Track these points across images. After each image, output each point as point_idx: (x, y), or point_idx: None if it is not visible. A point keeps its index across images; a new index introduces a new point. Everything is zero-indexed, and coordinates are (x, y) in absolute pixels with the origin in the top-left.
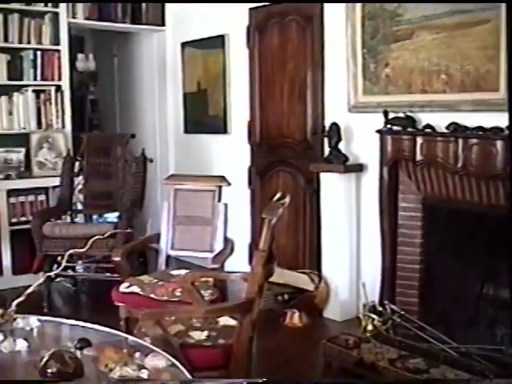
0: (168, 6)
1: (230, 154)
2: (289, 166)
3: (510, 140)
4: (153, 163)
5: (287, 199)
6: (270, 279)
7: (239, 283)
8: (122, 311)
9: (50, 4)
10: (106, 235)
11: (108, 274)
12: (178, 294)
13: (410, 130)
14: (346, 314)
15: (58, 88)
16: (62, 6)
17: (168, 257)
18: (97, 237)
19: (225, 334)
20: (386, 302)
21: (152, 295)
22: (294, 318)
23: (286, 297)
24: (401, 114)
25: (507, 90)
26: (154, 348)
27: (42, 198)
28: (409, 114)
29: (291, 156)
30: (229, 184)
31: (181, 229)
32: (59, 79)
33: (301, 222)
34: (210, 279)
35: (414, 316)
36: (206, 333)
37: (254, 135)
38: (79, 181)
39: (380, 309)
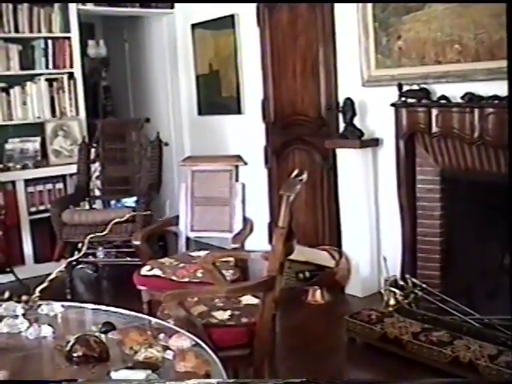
0: None
1: (245, 134)
2: (304, 143)
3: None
4: (168, 146)
5: (305, 176)
6: (291, 257)
7: (260, 262)
8: (145, 294)
9: None
10: (124, 219)
11: (128, 259)
12: (199, 274)
13: (424, 101)
14: (368, 290)
15: (71, 75)
16: None
17: (188, 239)
18: (116, 220)
19: (248, 312)
20: (407, 275)
21: (173, 277)
22: (316, 296)
23: (307, 274)
24: (415, 87)
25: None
26: (178, 329)
27: (59, 186)
28: (423, 85)
29: (306, 133)
30: (245, 163)
31: (199, 210)
32: (71, 67)
33: (319, 198)
34: (231, 259)
35: (436, 289)
36: (228, 312)
37: (268, 114)
38: (96, 167)
39: (402, 283)
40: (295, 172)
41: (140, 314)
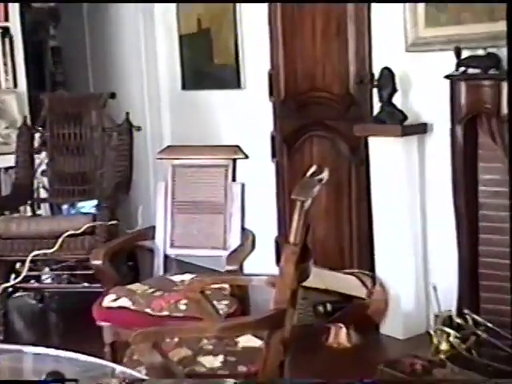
0: None
1: (245, 116)
2: (326, 129)
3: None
4: (141, 132)
5: (325, 174)
6: (306, 283)
7: (264, 290)
8: (107, 333)
9: None
10: (81, 231)
11: (86, 284)
12: (182, 307)
13: (492, 72)
14: (411, 329)
15: (5, 32)
16: None
17: (167, 258)
18: (69, 232)
19: (246, 358)
20: (466, 311)
21: (147, 310)
22: (341, 336)
23: (328, 307)
24: (480, 52)
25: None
26: (152, 380)
27: None
28: (491, 50)
29: (329, 116)
30: (246, 156)
31: (183, 219)
32: (6, 20)
33: (345, 204)
34: (225, 286)
35: (507, 330)
36: (220, 358)
37: (278, 89)
38: (41, 159)
39: (458, 321)
40: (313, 169)
41: (101, 361)
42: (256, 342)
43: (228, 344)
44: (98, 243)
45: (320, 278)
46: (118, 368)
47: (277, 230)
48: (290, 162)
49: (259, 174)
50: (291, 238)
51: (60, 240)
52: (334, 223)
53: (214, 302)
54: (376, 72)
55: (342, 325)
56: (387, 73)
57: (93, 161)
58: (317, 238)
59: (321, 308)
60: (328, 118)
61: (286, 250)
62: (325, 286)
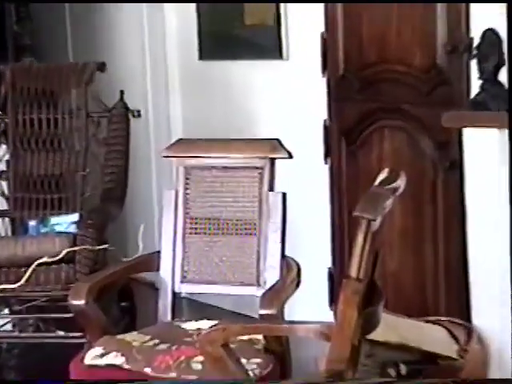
0: None
1: (287, 98)
2: (402, 117)
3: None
4: (141, 119)
5: (400, 182)
6: (373, 335)
7: (313, 344)
8: None
9: None
10: (56, 258)
11: (61, 333)
12: (196, 366)
13: None
14: None
15: None
16: None
17: (176, 297)
18: (40, 261)
19: None
20: None
21: (147, 370)
22: None
23: (402, 369)
24: None
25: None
26: None
27: None
28: None
29: (406, 98)
30: (289, 155)
31: (199, 243)
32: None
33: (428, 223)
34: (258, 337)
35: None
36: None
37: (334, 61)
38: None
39: None
40: (383, 174)
41: None
42: None
43: None
44: (80, 275)
45: (392, 328)
46: None
47: (331, 260)
48: (350, 164)
49: (307, 181)
50: (353, 271)
51: (29, 272)
52: (412, 250)
53: (242, 360)
54: (476, 36)
55: None
56: (492, 37)
57: (72, 159)
58: (388, 271)
59: (393, 370)
60: (405, 102)
61: (345, 287)
62: (399, 339)
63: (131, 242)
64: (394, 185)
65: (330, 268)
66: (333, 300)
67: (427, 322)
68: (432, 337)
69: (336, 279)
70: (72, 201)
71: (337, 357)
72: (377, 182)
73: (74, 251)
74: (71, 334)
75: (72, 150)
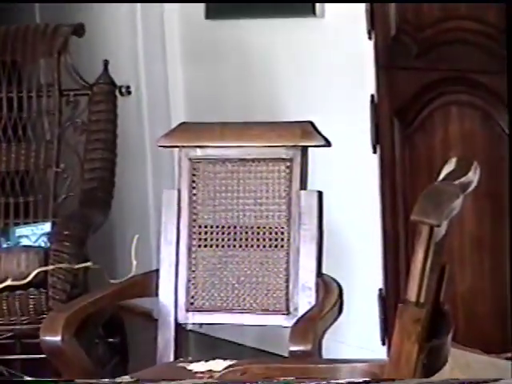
0: None
1: (322, 66)
2: (474, 90)
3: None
4: (132, 98)
5: (473, 175)
6: (439, 376)
7: None
8: None
9: None
10: (22, 282)
11: (30, 380)
12: None
13: None
14: None
15: None
16: None
17: (181, 329)
18: (2, 285)
19: None
20: None
21: None
22: None
23: None
24: None
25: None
26: None
27: None
28: None
29: (479, 65)
30: (326, 143)
31: (210, 259)
32: None
33: (507, 229)
34: (289, 380)
35: None
36: None
37: (384, 19)
38: None
39: None
40: (450, 165)
41: None
42: None
43: None
44: (54, 303)
45: (465, 367)
46: None
47: (383, 279)
48: (406, 153)
49: (350, 176)
50: (411, 294)
51: None
52: (489, 266)
53: None
54: None
55: None
56: None
57: (42, 151)
58: (459, 292)
59: None
60: (477, 71)
61: (401, 314)
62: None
63: (120, 258)
64: (464, 179)
65: (380, 289)
66: (386, 331)
67: (509, 359)
68: None
69: (389, 303)
70: (42, 206)
71: None
72: (441, 176)
73: (46, 272)
74: (43, 380)
75: (41, 140)
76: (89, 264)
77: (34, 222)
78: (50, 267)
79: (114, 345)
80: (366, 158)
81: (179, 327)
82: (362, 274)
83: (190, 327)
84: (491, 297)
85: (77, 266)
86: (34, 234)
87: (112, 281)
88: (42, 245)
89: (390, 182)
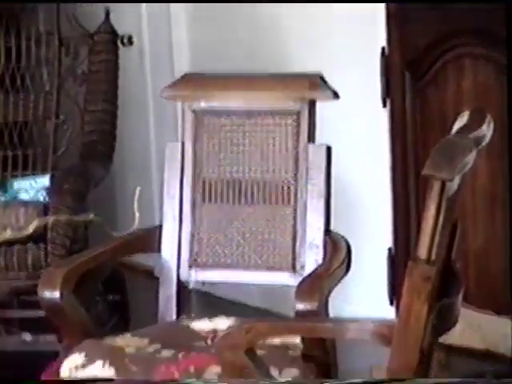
0: None
1: (332, 16)
2: (489, 41)
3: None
4: (134, 47)
5: (487, 128)
6: (449, 339)
7: (368, 349)
8: None
9: None
10: (21, 235)
11: (28, 337)
12: (211, 378)
13: None
14: None
15: None
16: None
17: (183, 287)
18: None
19: None
20: None
21: None
22: None
23: None
24: None
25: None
26: None
27: None
28: None
29: (493, 19)
30: (334, 95)
31: (215, 215)
32: None
33: None
34: (295, 340)
35: None
36: None
37: None
38: None
39: None
40: (463, 118)
41: None
42: None
43: None
44: (53, 259)
45: (476, 328)
46: None
47: (392, 237)
48: (417, 107)
49: (359, 130)
50: (422, 251)
51: None
52: (503, 223)
53: (272, 371)
54: None
55: None
56: None
57: (41, 102)
58: (471, 251)
59: None
60: (492, 21)
61: (411, 272)
62: (484, 344)
63: (122, 213)
64: (477, 133)
65: (390, 248)
66: (394, 292)
67: None
68: None
69: (398, 263)
70: (41, 158)
71: (400, 366)
72: (454, 130)
73: (45, 226)
74: (42, 338)
75: (40, 90)
76: (90, 216)
77: (33, 175)
78: (50, 218)
79: (114, 303)
80: (375, 112)
81: (181, 284)
82: (371, 233)
83: (192, 285)
84: (503, 256)
85: (77, 218)
86: (32, 187)
87: (114, 233)
88: (41, 199)
89: (401, 138)
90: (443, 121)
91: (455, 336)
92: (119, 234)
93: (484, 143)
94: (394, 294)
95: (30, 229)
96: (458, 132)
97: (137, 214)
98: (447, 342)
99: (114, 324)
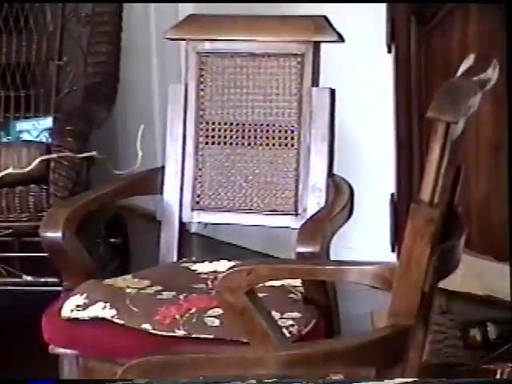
0: None
1: None
2: None
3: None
4: None
5: (492, 72)
6: (450, 284)
7: (369, 292)
8: (69, 367)
9: None
10: (23, 170)
11: (29, 278)
12: (212, 321)
13: None
14: None
15: None
16: None
17: (185, 230)
18: (1, 173)
19: None
20: None
21: (145, 326)
22: None
23: (491, 331)
24: None
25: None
26: None
27: None
28: None
29: None
30: (339, 38)
31: (217, 157)
32: None
33: None
34: (296, 283)
35: None
36: None
37: None
38: None
39: None
40: (468, 61)
41: None
42: None
43: None
44: (55, 200)
45: (477, 274)
46: None
47: (395, 182)
48: (422, 52)
49: (363, 75)
50: (425, 194)
51: None
52: (506, 173)
53: (273, 314)
54: None
55: None
56: None
57: (44, 43)
58: (474, 199)
59: (478, 333)
60: None
61: (414, 215)
62: (485, 290)
63: (124, 154)
64: (482, 76)
65: (392, 194)
66: (396, 237)
67: None
68: None
69: (401, 208)
70: (44, 100)
71: (401, 309)
72: (459, 73)
73: (48, 167)
74: (43, 279)
75: (43, 31)
76: (93, 154)
77: (36, 117)
78: (53, 156)
79: (115, 245)
80: (380, 56)
81: (183, 227)
82: (374, 178)
83: (194, 229)
84: (506, 204)
85: (80, 156)
86: (35, 128)
87: (116, 172)
88: (44, 140)
89: (405, 83)
90: (448, 67)
91: (456, 282)
92: (121, 172)
93: (489, 87)
94: (396, 241)
95: (32, 165)
96: (462, 75)
97: (140, 153)
98: (448, 288)
99: (116, 267)
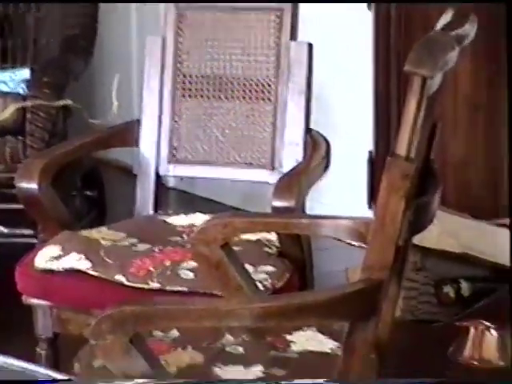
0: None
1: None
2: None
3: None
4: None
5: (469, 27)
6: (425, 241)
7: (344, 247)
8: (43, 319)
9: None
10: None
11: (4, 230)
12: (186, 273)
13: None
14: None
15: None
16: None
17: (161, 184)
18: None
19: (305, 372)
20: None
21: (119, 277)
22: (487, 345)
23: (464, 288)
24: None
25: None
26: None
27: None
28: None
29: None
30: None
31: (195, 110)
32: None
33: (505, 92)
34: (271, 237)
35: None
36: (258, 370)
37: None
38: None
39: None
40: (446, 16)
41: (31, 369)
42: (323, 344)
43: (273, 345)
44: (31, 151)
45: (452, 232)
46: (61, 379)
47: (373, 140)
48: (402, 10)
49: (342, 32)
50: (401, 148)
51: None
52: (484, 130)
53: (248, 267)
54: None
55: (489, 324)
56: None
57: None
58: (451, 157)
59: (451, 290)
60: None
61: (389, 168)
62: (460, 247)
63: (100, 106)
64: (460, 31)
65: (370, 151)
66: (373, 194)
67: (499, 225)
68: (505, 246)
69: (378, 166)
70: (21, 51)
71: (375, 262)
72: (437, 27)
73: (24, 118)
74: (19, 231)
75: None
76: (67, 102)
77: (13, 68)
78: (28, 103)
79: (91, 198)
80: (359, 14)
81: (159, 180)
82: (352, 135)
83: (170, 184)
84: (484, 162)
85: (56, 104)
86: (12, 79)
87: (91, 120)
88: (21, 91)
89: (384, 41)
90: (427, 26)
91: (432, 239)
92: (97, 121)
93: (467, 42)
94: (373, 198)
95: (7, 113)
96: (440, 29)
97: (115, 103)
98: (424, 245)
99: (92, 219)
